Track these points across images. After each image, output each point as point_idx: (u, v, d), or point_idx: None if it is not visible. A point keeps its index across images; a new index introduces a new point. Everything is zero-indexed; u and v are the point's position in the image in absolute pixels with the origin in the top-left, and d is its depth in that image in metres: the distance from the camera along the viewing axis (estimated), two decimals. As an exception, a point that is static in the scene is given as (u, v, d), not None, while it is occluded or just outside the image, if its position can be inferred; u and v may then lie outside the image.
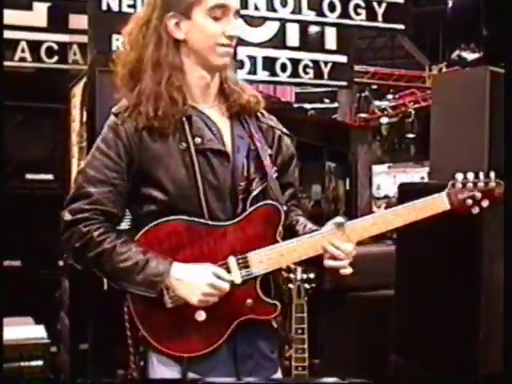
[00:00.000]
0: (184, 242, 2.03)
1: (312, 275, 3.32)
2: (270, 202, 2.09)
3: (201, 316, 2.02)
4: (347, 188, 11.98)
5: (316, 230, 2.10)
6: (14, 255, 4.97)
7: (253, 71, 5.42)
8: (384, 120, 11.92)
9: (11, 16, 5.10)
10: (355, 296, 4.33)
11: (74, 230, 2.00)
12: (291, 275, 3.32)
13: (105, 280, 2.06)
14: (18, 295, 4.26)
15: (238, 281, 2.03)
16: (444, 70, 7.88)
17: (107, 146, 2.04)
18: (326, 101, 13.76)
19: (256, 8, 4.70)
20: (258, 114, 2.21)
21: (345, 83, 6.11)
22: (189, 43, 2.06)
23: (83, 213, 2.01)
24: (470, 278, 3.20)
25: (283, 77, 5.63)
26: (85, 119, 4.34)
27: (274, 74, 5.72)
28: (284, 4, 4.83)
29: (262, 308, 2.07)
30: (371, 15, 5.08)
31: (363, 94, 11.86)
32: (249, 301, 2.05)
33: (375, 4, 5.08)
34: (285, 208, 2.18)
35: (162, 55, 2.05)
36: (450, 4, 8.72)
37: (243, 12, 4.51)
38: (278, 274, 2.17)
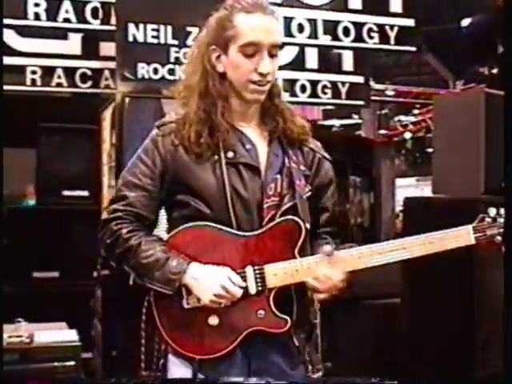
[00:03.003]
0: (208, 247, 2.09)
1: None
2: (291, 217, 2.10)
3: (214, 320, 2.06)
4: (371, 202, 12.10)
5: None
6: (52, 267, 5.07)
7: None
8: (407, 135, 12.08)
9: (49, 45, 5.47)
10: (366, 304, 4.57)
11: (107, 227, 2.14)
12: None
13: (131, 276, 2.13)
14: (55, 304, 4.57)
15: (253, 291, 2.06)
16: (463, 86, 8.07)
17: (145, 154, 2.16)
18: (355, 116, 13.86)
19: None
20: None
21: (362, 102, 6.34)
22: (228, 76, 2.14)
23: (117, 213, 2.14)
24: (464, 284, 3.39)
25: (303, 97, 5.91)
26: (114, 141, 4.62)
27: (293, 94, 5.97)
28: (301, 30, 5.17)
29: (272, 321, 2.06)
30: (384, 38, 5.36)
31: (383, 112, 12.06)
32: (261, 312, 2.07)
33: (387, 28, 5.36)
34: (320, 230, 2.26)
35: (210, 85, 2.14)
36: (469, 21, 8.93)
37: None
38: (304, 293, 2.15)
